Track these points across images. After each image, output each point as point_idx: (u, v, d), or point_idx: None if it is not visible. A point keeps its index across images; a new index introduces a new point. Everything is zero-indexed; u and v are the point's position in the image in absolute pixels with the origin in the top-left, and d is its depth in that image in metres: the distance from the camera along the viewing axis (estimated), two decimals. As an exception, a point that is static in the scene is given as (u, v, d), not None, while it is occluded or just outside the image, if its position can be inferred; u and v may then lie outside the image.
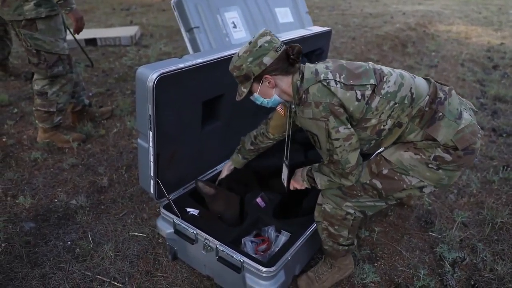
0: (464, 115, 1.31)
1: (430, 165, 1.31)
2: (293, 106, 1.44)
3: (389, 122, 1.30)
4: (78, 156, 2.67)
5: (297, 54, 1.30)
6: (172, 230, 1.74)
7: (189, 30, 2.46)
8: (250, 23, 2.79)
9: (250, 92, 1.39)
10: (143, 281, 1.74)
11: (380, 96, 1.27)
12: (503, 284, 1.72)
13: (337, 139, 1.26)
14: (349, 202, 1.46)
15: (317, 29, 2.36)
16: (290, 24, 2.92)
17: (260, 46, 1.28)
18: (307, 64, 1.35)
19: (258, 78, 1.33)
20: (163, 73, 1.46)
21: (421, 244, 1.96)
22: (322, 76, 1.27)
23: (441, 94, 1.32)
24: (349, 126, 1.28)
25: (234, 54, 1.70)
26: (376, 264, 1.83)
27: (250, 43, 1.31)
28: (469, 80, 4.53)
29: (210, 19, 2.52)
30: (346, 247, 1.58)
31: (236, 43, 2.31)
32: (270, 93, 1.37)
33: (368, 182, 1.40)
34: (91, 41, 5.39)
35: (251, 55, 1.29)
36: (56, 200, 2.25)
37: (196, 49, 2.50)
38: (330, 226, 1.53)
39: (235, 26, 2.69)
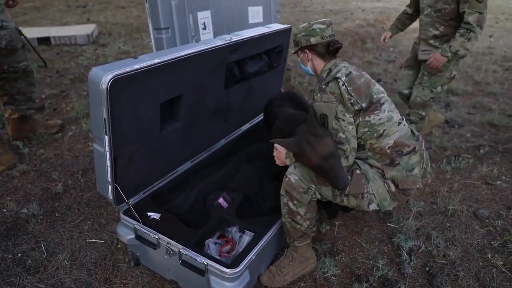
0: (414, 171, 1.57)
1: (385, 184, 1.54)
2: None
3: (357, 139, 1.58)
4: (30, 162, 2.53)
5: (335, 49, 1.64)
6: (133, 235, 1.69)
7: (158, 29, 2.38)
8: (219, 24, 2.76)
9: (297, 55, 1.76)
10: (103, 289, 1.68)
11: (361, 120, 1.54)
12: (454, 267, 1.83)
13: (344, 120, 1.51)
14: (313, 185, 1.56)
15: (277, 26, 2.37)
16: (259, 25, 2.92)
17: (313, 29, 1.63)
18: (340, 64, 1.61)
19: (302, 49, 1.69)
20: (117, 75, 1.41)
21: (380, 235, 2.04)
22: (339, 75, 1.54)
23: (406, 150, 1.56)
24: (351, 116, 1.52)
25: (192, 53, 1.67)
26: (337, 258, 1.88)
27: (310, 23, 1.66)
28: (424, 74, 4.74)
29: (181, 20, 2.45)
30: (304, 228, 1.62)
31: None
32: (305, 63, 1.72)
33: None
34: (44, 40, 5.11)
35: (305, 31, 1.65)
36: (4, 210, 2.12)
37: (160, 48, 2.43)
38: (290, 201, 1.59)
39: (204, 27, 2.65)
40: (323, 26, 1.63)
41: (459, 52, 2.28)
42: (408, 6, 2.71)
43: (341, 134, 1.50)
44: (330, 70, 1.59)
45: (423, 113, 2.67)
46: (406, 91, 2.79)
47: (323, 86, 1.55)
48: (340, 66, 1.59)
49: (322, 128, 1.49)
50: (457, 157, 2.76)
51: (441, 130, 3.24)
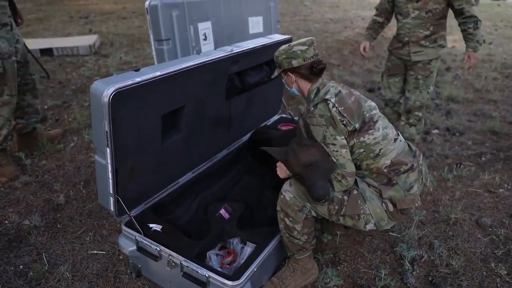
0: (413, 189, 1.53)
1: (383, 204, 1.51)
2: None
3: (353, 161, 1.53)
4: (32, 173, 2.54)
5: (319, 70, 1.56)
6: (135, 247, 1.69)
7: (159, 40, 2.41)
8: (220, 34, 2.79)
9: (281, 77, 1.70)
10: (104, 302, 1.68)
11: (356, 141, 1.50)
12: (457, 277, 1.81)
13: (334, 145, 1.46)
14: (308, 203, 1.55)
15: (277, 37, 2.39)
16: (259, 35, 2.95)
17: (293, 51, 1.55)
18: (328, 84, 1.56)
19: (285, 71, 1.62)
20: (119, 88, 1.42)
21: (382, 245, 2.03)
22: (328, 96, 1.48)
23: (403, 168, 1.52)
24: (343, 138, 1.47)
25: (194, 65, 1.67)
26: (339, 268, 1.87)
27: (290, 44, 1.57)
28: (424, 82, 4.76)
29: (182, 31, 2.49)
30: (301, 242, 1.62)
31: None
32: (290, 85, 1.66)
33: (340, 196, 1.52)
34: (47, 51, 5.17)
35: (286, 54, 1.57)
36: (6, 222, 2.12)
37: (161, 59, 2.46)
38: (286, 218, 1.59)
39: (205, 38, 2.68)
40: (304, 47, 1.54)
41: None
42: (377, 16, 2.85)
43: (332, 159, 1.47)
44: (318, 90, 1.54)
45: (420, 114, 2.81)
46: (397, 96, 2.90)
47: (311, 108, 1.49)
48: (328, 86, 1.54)
49: (310, 139, 1.49)
50: (458, 165, 2.76)
51: (442, 137, 3.24)
